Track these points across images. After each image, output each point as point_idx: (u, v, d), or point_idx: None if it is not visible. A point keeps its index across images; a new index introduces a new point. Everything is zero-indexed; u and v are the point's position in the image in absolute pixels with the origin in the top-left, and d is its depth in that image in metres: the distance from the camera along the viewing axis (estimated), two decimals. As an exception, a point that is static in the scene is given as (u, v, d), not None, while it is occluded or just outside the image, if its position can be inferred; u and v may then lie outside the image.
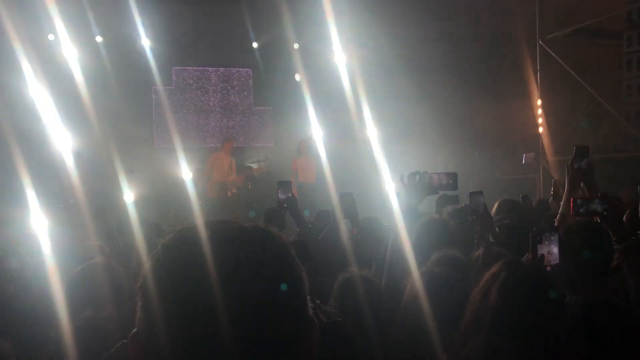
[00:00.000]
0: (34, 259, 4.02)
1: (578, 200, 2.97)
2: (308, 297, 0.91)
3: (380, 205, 5.71)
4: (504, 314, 1.86)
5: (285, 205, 3.96)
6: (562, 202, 3.62)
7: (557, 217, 3.57)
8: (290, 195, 3.97)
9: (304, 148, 10.40)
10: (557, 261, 2.53)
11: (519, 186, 9.82)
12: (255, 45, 11.71)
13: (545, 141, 10.64)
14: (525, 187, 9.80)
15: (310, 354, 0.90)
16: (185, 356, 0.82)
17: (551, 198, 5.11)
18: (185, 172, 9.84)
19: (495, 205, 4.93)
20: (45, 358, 2.11)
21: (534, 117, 10.81)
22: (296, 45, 11.41)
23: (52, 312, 2.41)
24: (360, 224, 4.06)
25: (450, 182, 3.26)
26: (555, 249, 2.54)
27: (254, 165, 10.76)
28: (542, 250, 2.56)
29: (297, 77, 11.15)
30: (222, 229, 0.90)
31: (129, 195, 8.28)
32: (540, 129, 10.73)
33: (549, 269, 2.52)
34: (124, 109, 9.97)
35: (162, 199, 9.18)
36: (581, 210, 2.92)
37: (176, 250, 0.88)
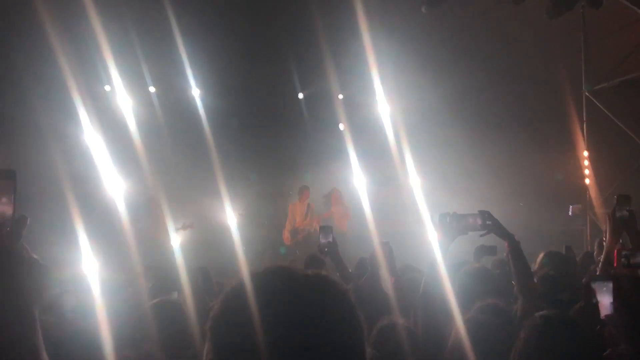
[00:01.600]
0: (86, 298, 4.19)
1: (623, 252, 2.93)
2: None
3: (421, 254, 5.71)
4: None
5: (326, 249, 4.03)
6: (604, 251, 3.58)
7: (600, 267, 3.52)
8: (331, 239, 4.04)
9: (337, 197, 10.51)
10: (610, 311, 2.46)
11: (565, 238, 9.60)
12: (300, 96, 12.03)
13: (592, 193, 10.42)
14: (572, 240, 9.56)
15: None
16: None
17: (596, 250, 5.02)
18: (230, 217, 10.06)
19: (540, 256, 4.87)
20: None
21: (580, 168, 10.64)
22: (340, 96, 11.66)
23: (99, 348, 2.49)
24: (398, 272, 4.08)
25: (480, 222, 3.27)
26: (608, 299, 2.49)
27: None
28: (598, 299, 2.51)
29: (341, 126, 11.34)
30: (286, 276, 0.95)
31: (175, 240, 8.51)
32: (587, 181, 10.53)
33: (603, 317, 2.48)
34: (176, 156, 10.35)
35: (208, 244, 9.36)
36: (625, 261, 2.88)
37: (243, 295, 0.93)
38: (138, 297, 3.86)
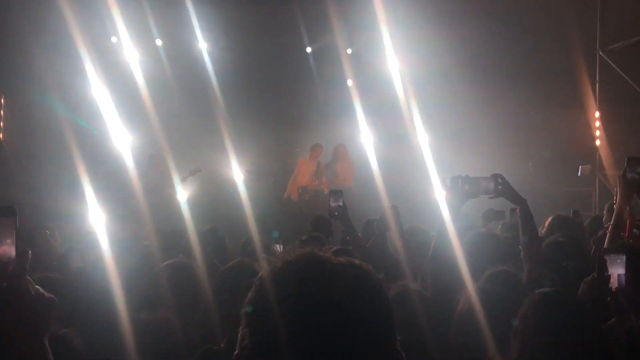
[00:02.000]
0: (93, 253, 4.21)
1: (636, 223, 2.91)
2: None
3: (428, 213, 5.71)
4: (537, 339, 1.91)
5: (336, 213, 4.03)
6: (614, 214, 3.56)
7: (610, 229, 3.50)
8: (341, 204, 4.03)
9: (343, 152, 10.47)
10: (623, 284, 2.45)
11: (573, 199, 9.59)
12: (309, 50, 11.85)
13: (603, 154, 10.35)
14: (580, 201, 9.55)
15: None
16: None
17: (605, 215, 4.99)
18: (237, 173, 10.07)
19: (548, 221, 4.86)
20: (108, 351, 2.20)
21: (590, 129, 10.53)
22: (349, 50, 11.48)
23: (111, 308, 2.51)
24: (405, 234, 4.08)
25: (492, 186, 3.23)
26: (620, 271, 2.48)
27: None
28: (609, 271, 2.50)
29: (349, 82, 11.20)
30: (320, 264, 0.96)
31: (182, 195, 8.54)
32: (598, 142, 10.44)
33: (614, 289, 2.48)
34: (182, 110, 10.29)
35: (215, 200, 9.40)
36: (637, 232, 2.87)
37: (282, 283, 0.95)
38: (149, 254, 3.87)
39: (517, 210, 3.24)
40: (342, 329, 0.90)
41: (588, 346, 1.90)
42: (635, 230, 2.83)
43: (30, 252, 1.22)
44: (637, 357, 1.81)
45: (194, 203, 8.21)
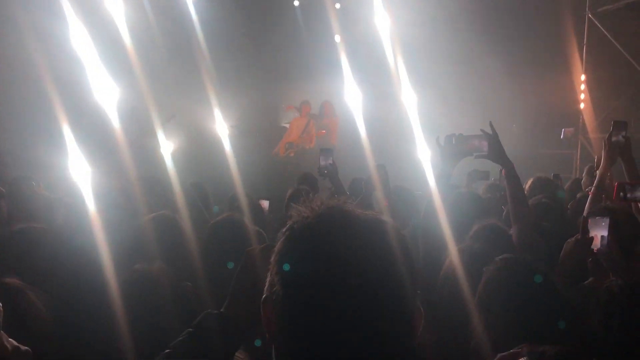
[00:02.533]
0: (77, 205, 4.16)
1: (626, 186, 2.94)
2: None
3: (413, 173, 5.73)
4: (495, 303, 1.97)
5: (325, 171, 4.02)
6: (598, 175, 3.62)
7: (592, 192, 3.55)
8: (331, 162, 4.02)
9: (329, 109, 10.45)
10: (605, 246, 2.50)
11: (555, 162, 9.69)
12: (296, 3, 11.61)
13: (587, 117, 10.41)
14: (562, 164, 9.66)
15: (415, 337, 1.00)
16: (315, 325, 0.94)
17: (584, 177, 5.07)
18: (222, 127, 9.97)
19: (529, 182, 4.92)
20: (85, 310, 2.18)
21: (575, 92, 10.56)
22: (337, 5, 11.28)
23: (97, 263, 2.49)
24: (392, 194, 4.11)
25: (484, 145, 3.21)
26: (604, 233, 2.52)
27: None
28: (592, 233, 2.55)
29: (337, 38, 11.04)
30: (346, 216, 1.00)
31: (167, 147, 8.43)
32: (582, 105, 10.49)
33: (596, 250, 2.53)
34: (167, 63, 10.09)
35: (200, 154, 9.32)
36: (622, 195, 2.91)
37: (312, 233, 0.98)
38: (133, 206, 3.85)
39: (502, 172, 3.25)
40: (372, 285, 0.93)
41: (547, 314, 1.94)
42: (621, 194, 2.87)
43: (2, 311, 1.19)
44: (615, 313, 1.87)
45: (178, 158, 8.13)
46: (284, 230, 1.02)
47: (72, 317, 2.04)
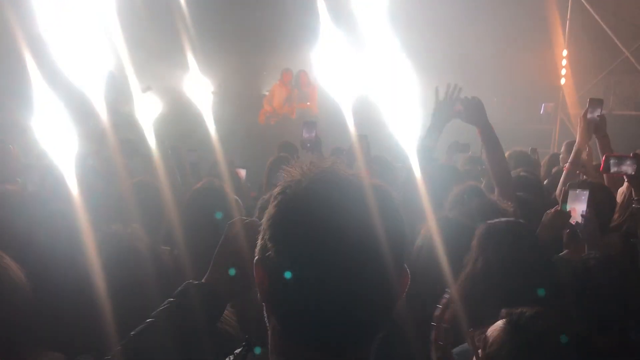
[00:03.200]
0: (52, 169, 4.10)
1: (612, 158, 2.99)
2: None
3: (393, 145, 5.72)
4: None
5: (308, 145, 3.97)
6: (573, 150, 3.67)
7: (567, 167, 3.60)
8: (314, 135, 3.97)
9: (304, 78, 10.41)
10: (583, 218, 2.53)
11: (534, 136, 9.76)
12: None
13: (567, 93, 10.48)
14: (541, 139, 9.73)
15: (400, 298, 1.02)
16: (308, 287, 0.94)
17: (562, 152, 5.13)
18: (203, 93, 9.84)
19: (506, 155, 4.96)
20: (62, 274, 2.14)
21: (556, 67, 10.60)
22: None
23: (74, 228, 2.45)
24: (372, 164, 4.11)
25: (473, 115, 3.21)
26: (583, 206, 2.56)
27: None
28: (571, 205, 2.58)
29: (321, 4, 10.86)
30: (338, 177, 1.00)
31: (146, 113, 8.31)
32: (563, 80, 10.54)
33: (574, 222, 2.57)
34: (147, 27, 9.87)
35: (180, 119, 9.21)
36: (612, 168, 2.95)
37: (307, 197, 0.98)
38: (113, 170, 3.81)
39: (478, 132, 3.21)
40: (364, 247, 0.94)
41: (535, 276, 1.97)
42: (608, 166, 2.92)
43: None
44: (590, 286, 1.91)
45: (158, 124, 8.01)
46: (275, 193, 1.01)
47: (50, 282, 2.02)
